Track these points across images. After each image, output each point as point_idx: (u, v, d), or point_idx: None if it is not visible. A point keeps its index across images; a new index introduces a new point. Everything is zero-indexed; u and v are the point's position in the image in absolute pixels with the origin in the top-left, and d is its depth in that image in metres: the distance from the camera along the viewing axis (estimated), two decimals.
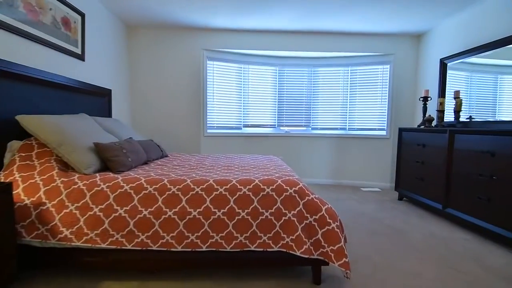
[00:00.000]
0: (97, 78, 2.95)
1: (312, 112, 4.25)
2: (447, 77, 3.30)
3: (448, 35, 3.32)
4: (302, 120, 4.27)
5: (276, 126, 4.26)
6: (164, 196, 1.47)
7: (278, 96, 4.21)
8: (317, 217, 1.47)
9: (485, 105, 2.87)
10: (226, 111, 4.08)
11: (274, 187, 1.52)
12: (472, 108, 2.97)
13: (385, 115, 4.03)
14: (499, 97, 2.75)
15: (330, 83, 4.20)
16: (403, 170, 3.32)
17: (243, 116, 4.16)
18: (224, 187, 1.51)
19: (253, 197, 1.49)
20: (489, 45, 2.71)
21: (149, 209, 1.44)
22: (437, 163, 2.74)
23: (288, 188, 1.53)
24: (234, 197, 1.48)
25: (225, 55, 3.96)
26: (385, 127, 4.03)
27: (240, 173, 1.80)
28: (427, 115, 3.25)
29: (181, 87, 3.79)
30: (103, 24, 3.09)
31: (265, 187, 1.52)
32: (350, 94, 4.16)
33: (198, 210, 1.45)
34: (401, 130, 3.38)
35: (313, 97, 4.23)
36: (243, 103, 4.14)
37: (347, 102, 4.18)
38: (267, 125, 4.25)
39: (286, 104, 4.23)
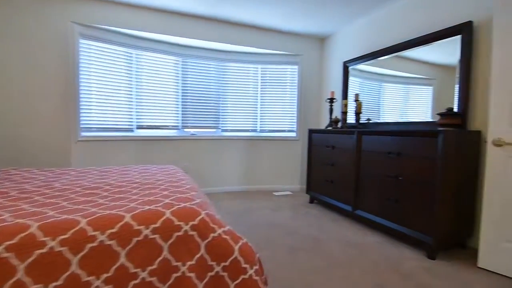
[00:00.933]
0: None
1: (222, 112, 3.79)
2: (349, 80, 3.41)
3: (350, 40, 3.43)
4: (211, 121, 3.76)
5: (180, 127, 3.60)
6: None
7: (182, 93, 3.57)
8: (227, 263, 0.98)
9: (373, 108, 3.06)
10: (112, 108, 3.16)
11: (158, 225, 0.94)
12: (364, 111, 3.13)
13: (294, 116, 3.95)
14: (382, 102, 2.96)
15: (240, 81, 3.84)
16: (314, 172, 3.24)
17: (136, 116, 3.33)
18: (60, 237, 0.83)
19: (119, 249, 0.87)
20: (380, 52, 2.88)
21: None
22: (346, 164, 2.70)
23: (182, 223, 0.97)
24: (81, 255, 0.82)
25: (108, 35, 3.05)
26: (295, 129, 3.96)
27: (108, 202, 1.14)
28: (333, 117, 3.26)
29: (37, 73, 2.67)
30: None
31: (142, 227, 0.92)
32: (260, 94, 3.90)
33: None
34: (311, 132, 3.30)
35: (222, 95, 3.78)
36: (136, 99, 3.31)
37: (257, 102, 3.91)
38: (169, 126, 3.54)
39: (191, 102, 3.63)
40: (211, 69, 3.71)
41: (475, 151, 2.03)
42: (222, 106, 3.79)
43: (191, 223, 0.99)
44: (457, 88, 2.18)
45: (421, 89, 2.57)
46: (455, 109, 2.17)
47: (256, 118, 3.92)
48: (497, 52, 1.72)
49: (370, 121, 3.05)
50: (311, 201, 3.31)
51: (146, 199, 1.15)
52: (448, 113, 2.06)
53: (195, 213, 1.03)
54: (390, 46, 2.77)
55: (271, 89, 3.92)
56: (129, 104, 3.27)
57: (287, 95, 3.95)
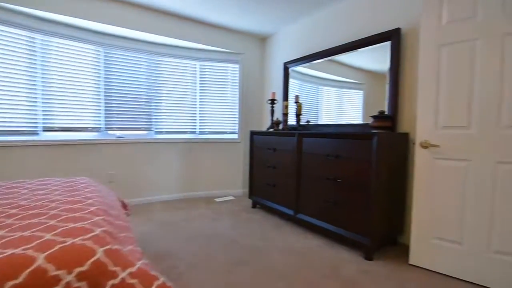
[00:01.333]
0: None
1: (155, 112, 3.39)
2: (289, 81, 3.38)
3: (290, 41, 3.40)
4: (142, 121, 3.32)
5: (103, 129, 3.09)
6: None
7: (105, 89, 3.06)
8: None
9: (312, 110, 3.10)
10: (6, 106, 2.51)
11: (19, 280, 0.64)
12: (305, 113, 3.14)
13: (236, 117, 3.78)
14: (320, 104, 3.01)
15: (176, 78, 3.49)
16: (256, 176, 3.11)
17: (43, 115, 2.72)
18: None
19: None
20: (316, 55, 2.91)
21: None
22: (288, 167, 2.63)
23: (61, 272, 0.68)
24: None
25: (2, 13, 2.41)
26: (237, 130, 3.79)
27: None
28: (274, 118, 3.19)
29: None
30: None
31: None
32: (199, 93, 3.62)
33: None
34: (252, 134, 3.17)
35: (155, 93, 3.37)
36: (43, 95, 2.70)
37: (196, 101, 3.61)
38: (88, 128, 3.00)
39: (117, 100, 3.15)
40: (142, 63, 3.28)
41: (404, 152, 2.14)
42: (156, 105, 3.39)
43: (77, 269, 0.70)
44: (388, 92, 2.27)
45: (353, 93, 2.66)
46: (386, 112, 2.27)
47: (195, 119, 3.63)
48: (423, 58, 1.80)
49: (310, 123, 3.06)
50: (254, 206, 3.18)
51: (16, 236, 0.81)
52: (380, 116, 2.12)
53: (86, 253, 0.74)
54: (326, 50, 2.81)
55: (211, 88, 3.67)
56: (33, 101, 2.64)
57: (228, 95, 3.75)
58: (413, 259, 1.86)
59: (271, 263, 1.86)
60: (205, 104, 3.65)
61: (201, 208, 3.10)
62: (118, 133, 3.17)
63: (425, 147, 1.79)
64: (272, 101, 3.20)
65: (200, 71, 3.60)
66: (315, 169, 2.34)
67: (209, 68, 3.64)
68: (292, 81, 3.34)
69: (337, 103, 2.82)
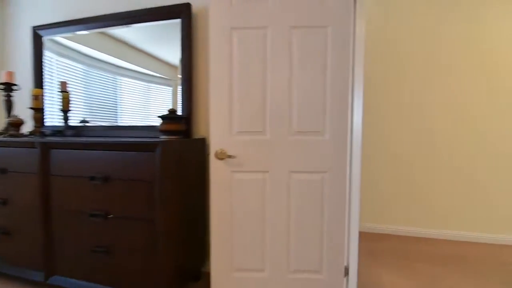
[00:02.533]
0: None
1: None
2: (46, 61, 2.16)
3: None
4: None
5: None
6: None
7: None
8: None
9: (107, 108, 2.16)
10: None
11: None
12: (94, 110, 2.13)
13: None
14: (119, 100, 2.15)
15: None
16: None
17: None
18: None
19: None
20: (84, 21, 1.98)
21: None
22: (29, 201, 1.54)
23: None
24: None
25: None
26: None
27: None
28: (12, 116, 1.91)
29: None
30: None
31: None
32: None
33: None
34: None
35: None
36: None
37: None
38: None
39: None
40: None
41: (202, 163, 1.70)
42: None
43: None
44: (180, 85, 1.76)
45: (162, 89, 1.97)
46: (179, 112, 1.74)
47: None
48: (214, 45, 1.38)
49: (87, 124, 2.07)
50: None
51: None
52: (170, 117, 1.56)
53: None
54: (94, 17, 1.93)
55: None
56: None
57: None
58: None
59: None
60: None
61: None
62: None
63: (221, 159, 1.39)
64: (8, 87, 1.91)
65: None
66: (75, 201, 1.44)
67: None
68: (65, 64, 2.14)
69: (144, 100, 2.01)
